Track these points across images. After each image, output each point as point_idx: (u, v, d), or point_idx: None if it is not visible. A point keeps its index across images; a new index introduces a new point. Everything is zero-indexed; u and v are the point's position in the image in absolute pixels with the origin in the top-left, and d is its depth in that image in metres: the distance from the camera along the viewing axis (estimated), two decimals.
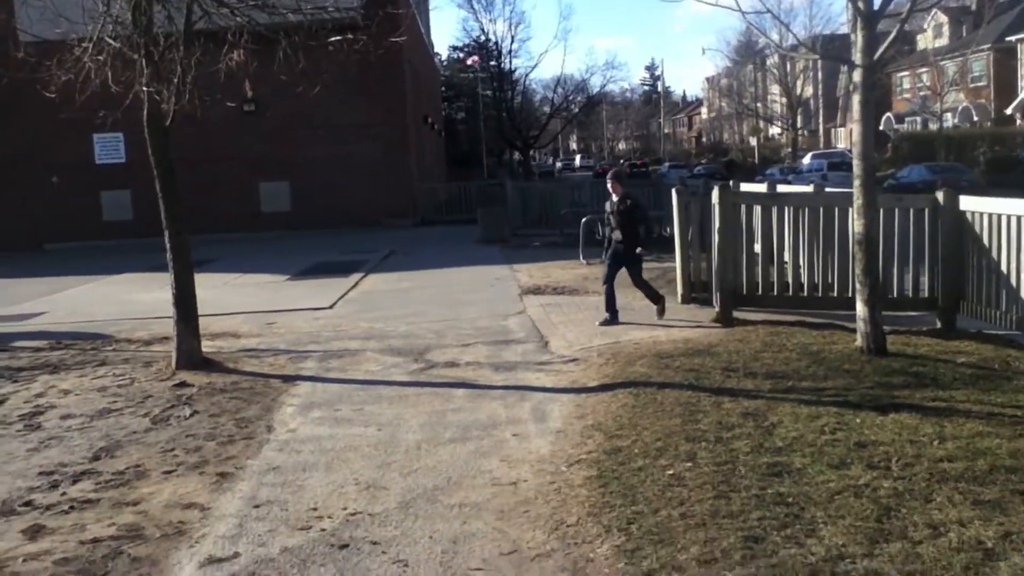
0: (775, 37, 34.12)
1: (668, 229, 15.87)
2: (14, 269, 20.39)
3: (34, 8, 8.19)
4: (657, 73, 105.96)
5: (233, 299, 12.99)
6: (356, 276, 15.26)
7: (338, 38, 7.55)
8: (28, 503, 4.92)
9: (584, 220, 15.93)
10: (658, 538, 3.96)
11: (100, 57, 8.00)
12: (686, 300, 10.23)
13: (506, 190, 24.35)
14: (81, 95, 8.45)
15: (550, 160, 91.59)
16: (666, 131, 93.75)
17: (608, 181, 9.69)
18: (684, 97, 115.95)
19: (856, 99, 7.28)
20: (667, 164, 61.96)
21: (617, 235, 9.38)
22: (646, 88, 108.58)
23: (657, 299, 9.43)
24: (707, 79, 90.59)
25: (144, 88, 7.89)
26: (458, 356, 8.27)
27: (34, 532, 4.47)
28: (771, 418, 5.59)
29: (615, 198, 9.42)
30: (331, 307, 11.95)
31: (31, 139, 25.65)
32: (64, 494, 5.04)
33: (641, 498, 4.43)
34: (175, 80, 8.01)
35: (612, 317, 9.36)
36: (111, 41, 7.95)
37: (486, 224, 20.54)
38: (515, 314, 10.42)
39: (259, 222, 26.54)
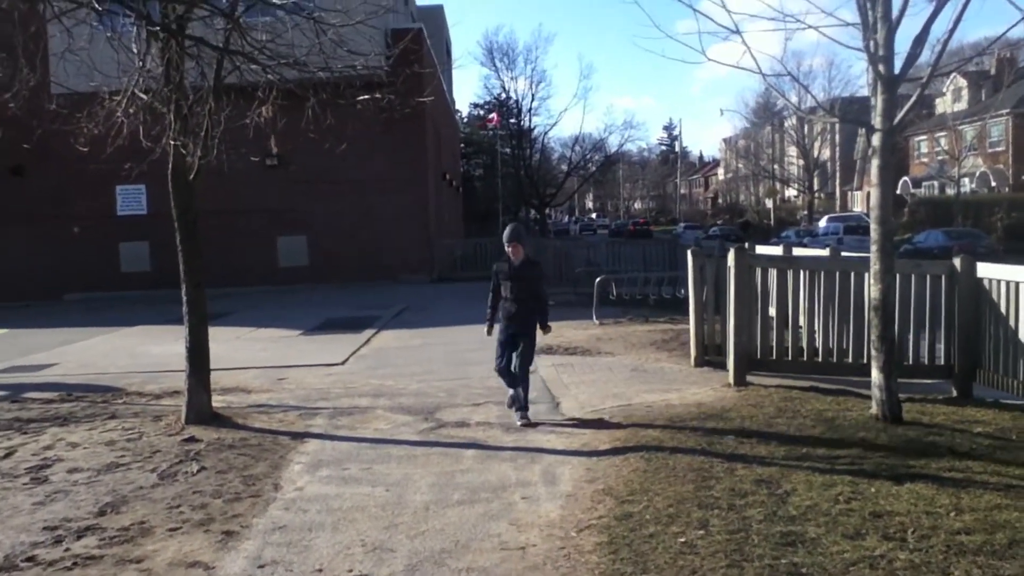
0: (794, 99, 34.48)
1: (682, 291, 15.88)
2: (31, 320, 20.58)
3: (69, 62, 8.40)
4: (675, 133, 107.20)
5: (245, 354, 13.02)
6: (369, 332, 15.28)
7: (366, 96, 7.70)
8: (31, 559, 4.87)
9: (598, 280, 15.96)
10: None
11: (131, 110, 8.17)
12: (699, 363, 10.16)
13: None
14: (110, 147, 8.62)
15: (566, 218, 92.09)
16: (682, 191, 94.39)
17: (507, 243, 7.68)
18: (701, 157, 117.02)
19: (875, 163, 7.30)
20: (682, 224, 62.31)
21: (512, 307, 7.70)
22: (663, 148, 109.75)
23: (525, 405, 7.84)
24: (724, 140, 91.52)
25: (171, 141, 8.03)
26: (469, 416, 8.22)
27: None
28: (785, 486, 5.50)
29: (514, 261, 7.69)
30: (343, 363, 11.95)
31: (55, 189, 26.12)
32: (68, 550, 4.99)
33: (652, 566, 4.34)
34: (201, 134, 8.16)
35: (514, 394, 7.94)
36: (142, 95, 8.12)
37: None
38: None
39: (277, 275, 26.76)
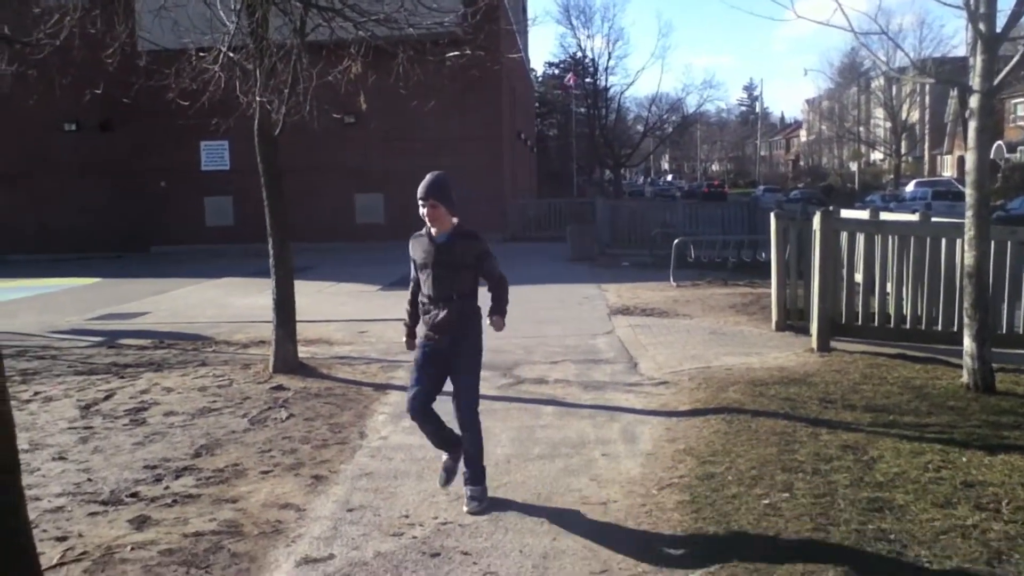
0: (883, 59, 33.19)
1: (762, 254, 15.60)
2: (123, 270, 21.38)
3: (157, 18, 8.61)
4: (755, 93, 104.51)
5: (327, 307, 13.31)
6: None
7: (456, 53, 7.71)
8: (134, 494, 5.13)
9: (676, 241, 15.78)
10: (754, 568, 3.87)
11: (216, 66, 8.35)
12: (781, 327, 10.00)
13: (596, 208, 24.31)
14: (197, 103, 8.84)
15: (640, 179, 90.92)
16: (762, 153, 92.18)
17: (421, 202, 4.78)
18: (782, 119, 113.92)
19: (972, 126, 7.01)
20: (762, 187, 60.94)
21: (437, 311, 4.75)
22: (743, 108, 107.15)
23: (479, 477, 4.86)
24: (807, 100, 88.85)
25: (257, 98, 8.19)
26: (546, 373, 8.27)
27: (140, 522, 4.66)
28: (871, 452, 5.41)
29: (435, 233, 4.81)
30: None
31: (142, 144, 26.90)
32: (167, 488, 5.23)
33: (735, 526, 4.34)
34: (286, 91, 8.30)
35: (453, 458, 4.95)
36: (231, 55, 8.28)
37: (575, 242, 20.53)
38: (604, 334, 10.37)
39: (354, 232, 27.17)
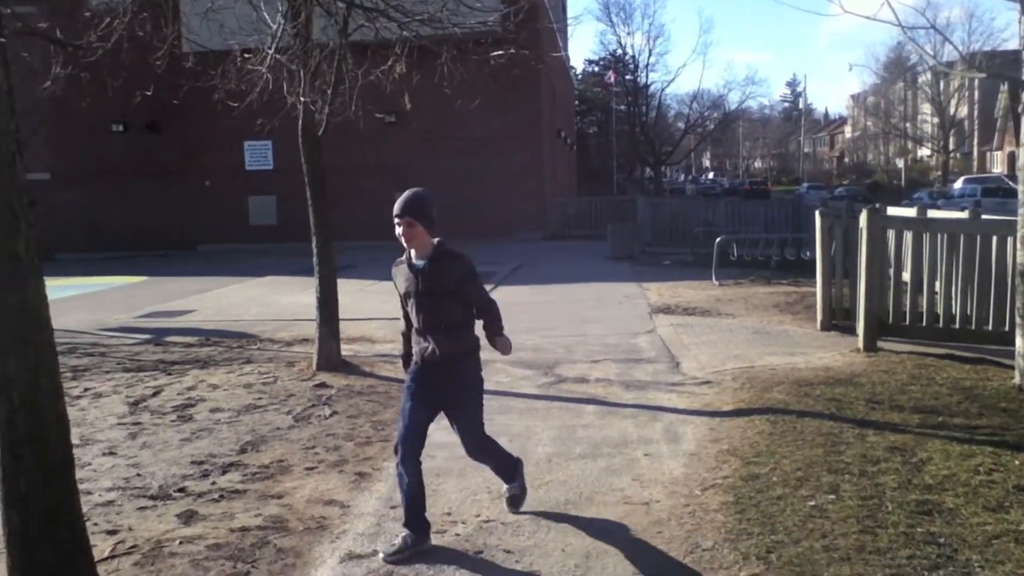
0: (930, 52, 32.55)
1: (807, 252, 15.41)
2: (169, 268, 21.76)
3: (200, 19, 8.75)
4: (798, 89, 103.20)
5: (369, 305, 13.41)
6: (487, 287, 15.46)
7: (500, 52, 7.73)
8: (182, 489, 5.22)
9: (718, 239, 15.64)
10: (800, 570, 3.83)
11: (262, 67, 8.46)
12: (826, 327, 9.86)
13: (637, 206, 24.19)
14: (241, 103, 8.97)
15: (681, 177, 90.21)
16: (806, 150, 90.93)
17: (397, 219, 4.22)
18: (826, 115, 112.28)
19: None
20: (805, 184, 60.14)
21: (428, 344, 4.30)
22: (786, 105, 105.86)
23: (513, 474, 4.71)
24: (852, 96, 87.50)
25: (301, 98, 8.28)
26: (587, 372, 8.25)
27: (188, 517, 4.74)
28: (920, 454, 5.31)
29: (415, 258, 4.32)
30: None
31: (187, 144, 27.35)
32: (214, 483, 5.32)
33: (781, 528, 4.29)
34: (329, 91, 8.39)
35: (417, 533, 4.23)
36: (276, 56, 8.37)
37: (616, 240, 20.46)
38: (645, 333, 10.31)
39: (394, 230, 27.34)
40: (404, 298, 4.38)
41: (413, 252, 4.30)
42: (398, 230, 4.22)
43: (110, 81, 7.82)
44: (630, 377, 7.94)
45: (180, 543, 4.37)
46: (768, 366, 8.08)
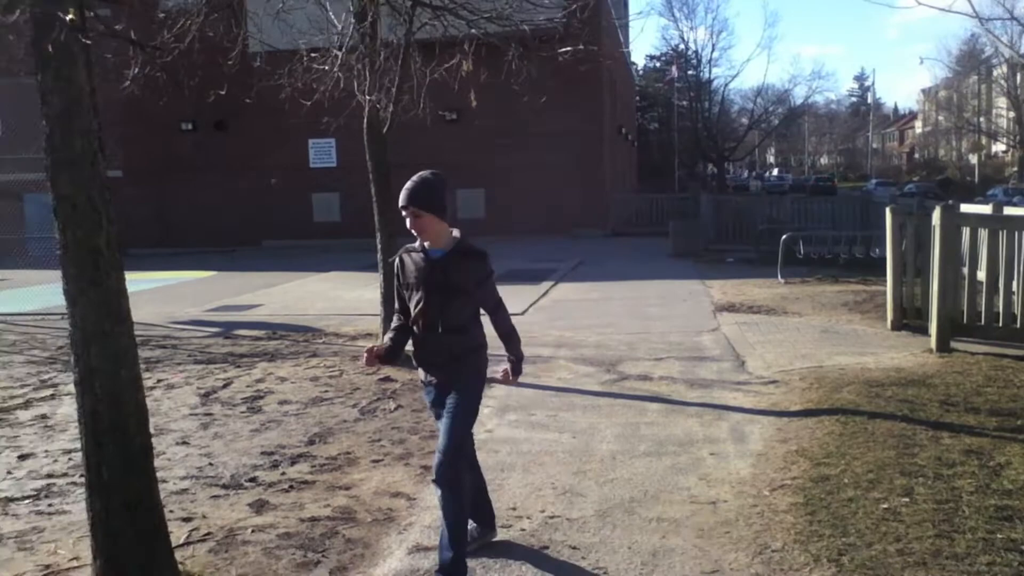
0: (1007, 43, 31.47)
1: (876, 250, 15.04)
2: (236, 263, 22.25)
3: (266, 19, 8.92)
4: (867, 83, 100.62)
5: None
6: (546, 284, 15.47)
7: (568, 48, 7.72)
8: (253, 479, 5.33)
9: (784, 237, 15.36)
10: (873, 573, 3.75)
11: (331, 67, 8.59)
12: (896, 327, 9.61)
13: (700, 203, 23.92)
14: (306, 101, 9.11)
15: (745, 173, 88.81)
16: (874, 145, 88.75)
17: (404, 209, 3.87)
18: (895, 109, 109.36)
19: None
20: (874, 181, 58.68)
21: (429, 340, 3.92)
22: (853, 99, 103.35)
23: (457, 528, 3.79)
24: (923, 90, 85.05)
25: (367, 96, 8.38)
26: (650, 370, 8.19)
27: (259, 506, 4.84)
28: (998, 458, 5.15)
29: (428, 248, 3.92)
30: (522, 313, 12.17)
31: (254, 143, 27.90)
32: (284, 474, 5.42)
33: (853, 530, 4.20)
34: (393, 89, 8.47)
35: (482, 526, 4.22)
36: (340, 54, 8.50)
37: (678, 237, 20.25)
38: (709, 331, 10.19)
39: (456, 227, 27.47)
40: (409, 288, 3.91)
41: (427, 243, 3.89)
42: (409, 223, 3.85)
43: (187, 81, 8.02)
44: (694, 375, 7.86)
45: (252, 531, 4.47)
46: (837, 366, 7.91)
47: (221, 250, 26.76)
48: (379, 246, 8.89)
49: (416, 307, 3.86)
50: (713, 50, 70.04)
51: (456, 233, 3.94)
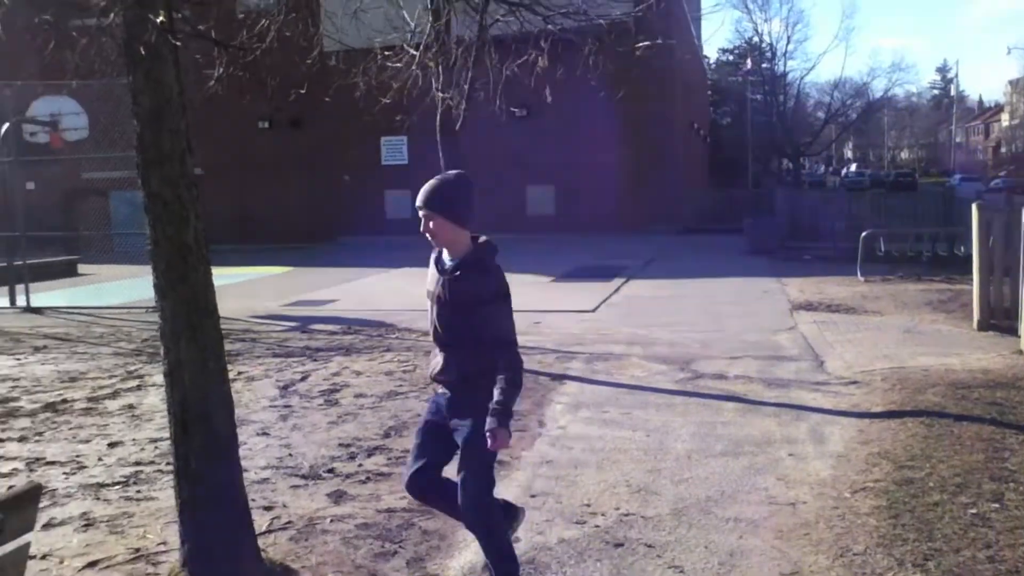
0: None
1: (961, 248, 14.55)
2: (311, 259, 22.70)
3: (341, 18, 9.07)
4: (949, 75, 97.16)
5: None
6: (618, 281, 15.39)
7: (647, 43, 7.67)
8: (331, 470, 5.44)
9: (864, 234, 14.97)
10: None
11: (408, 64, 8.69)
12: (983, 327, 9.28)
13: (775, 199, 23.47)
14: (381, 100, 9.24)
15: (821, 168, 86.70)
16: (957, 139, 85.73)
17: (420, 211, 3.53)
18: (980, 102, 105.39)
19: None
20: (958, 176, 56.75)
21: (439, 356, 3.60)
22: (935, 92, 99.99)
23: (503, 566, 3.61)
24: (1010, 82, 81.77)
25: (440, 94, 8.45)
26: (726, 369, 8.07)
27: (338, 497, 4.93)
28: None
29: (444, 256, 3.61)
30: (594, 310, 12.14)
31: (328, 140, 28.41)
32: (361, 465, 5.51)
33: (939, 535, 4.08)
34: (466, 86, 8.52)
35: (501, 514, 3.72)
36: (414, 52, 8.59)
37: (753, 234, 19.92)
38: (786, 330, 9.99)
39: (524, 223, 27.56)
40: (428, 296, 3.63)
41: (445, 251, 3.58)
42: (426, 223, 3.52)
43: (269, 80, 8.22)
44: (771, 375, 7.72)
45: (331, 521, 4.56)
46: (920, 367, 7.68)
47: (297, 246, 27.34)
48: None
49: (436, 319, 3.54)
50: (788, 42, 68.35)
51: (482, 240, 3.57)
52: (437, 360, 3.57)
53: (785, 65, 61.60)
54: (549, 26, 7.59)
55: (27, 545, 2.55)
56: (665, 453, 5.58)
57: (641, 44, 7.80)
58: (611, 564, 3.96)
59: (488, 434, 3.30)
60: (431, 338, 3.64)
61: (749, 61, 54.86)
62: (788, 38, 64.01)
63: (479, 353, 3.43)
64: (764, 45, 61.25)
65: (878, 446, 5.50)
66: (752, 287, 13.76)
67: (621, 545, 4.16)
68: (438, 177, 3.63)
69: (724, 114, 64.60)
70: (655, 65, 11.82)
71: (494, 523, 3.57)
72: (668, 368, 8.18)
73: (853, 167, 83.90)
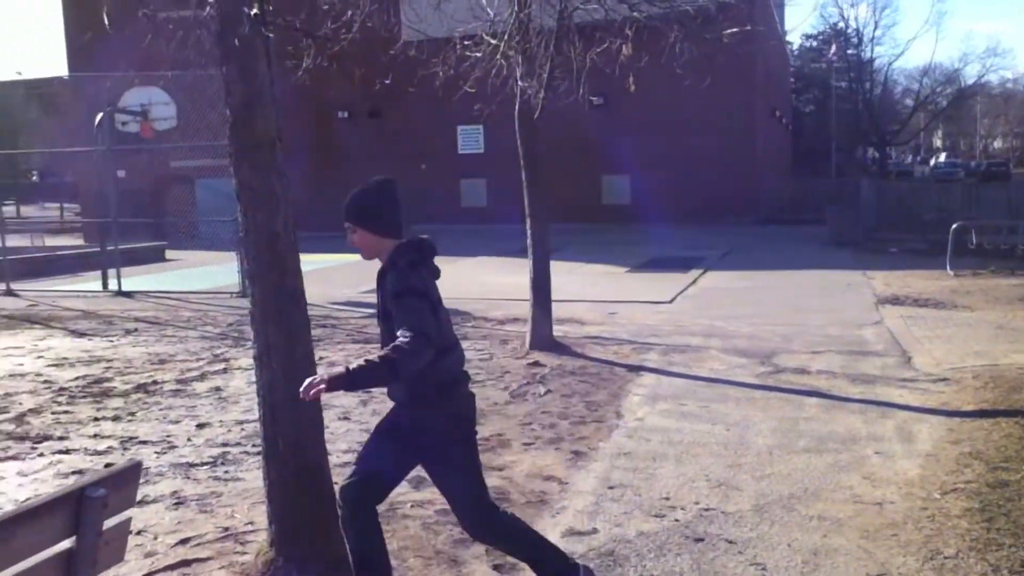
0: None
1: None
2: None
3: (421, 8, 9.14)
4: None
5: (576, 287, 13.53)
6: (695, 272, 15.18)
7: (735, 29, 7.53)
8: None
9: (954, 226, 14.44)
10: None
11: (478, 53, 8.72)
12: None
13: (860, 189, 22.80)
14: (459, 89, 9.28)
15: (909, 158, 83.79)
16: None
17: (345, 226, 3.47)
18: None
19: None
20: None
21: (396, 397, 3.33)
22: None
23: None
24: None
25: (519, 82, 8.44)
26: (808, 363, 7.89)
27: (417, 482, 4.98)
28: None
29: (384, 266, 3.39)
30: (670, 302, 12.01)
31: (405, 130, 28.72)
32: None
33: None
34: (545, 75, 8.49)
35: None
36: (491, 40, 8.60)
37: (836, 225, 19.43)
38: (871, 324, 9.71)
39: (599, 214, 27.40)
40: (379, 310, 3.41)
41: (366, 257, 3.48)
42: (350, 235, 3.44)
43: (355, 71, 8.35)
44: (856, 370, 7.52)
45: (411, 506, 4.62)
46: (1015, 365, 7.38)
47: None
48: (528, 232, 8.96)
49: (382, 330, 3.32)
50: (876, 28, 66.39)
51: (391, 253, 3.32)
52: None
53: (872, 51, 59.77)
54: (635, 13, 7.49)
55: (129, 520, 2.66)
56: (746, 448, 5.49)
57: (729, 31, 7.65)
58: (691, 559, 3.92)
59: (308, 383, 2.94)
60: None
61: (834, 47, 53.28)
62: (876, 23, 62.34)
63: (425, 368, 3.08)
64: (850, 31, 59.48)
65: (969, 446, 5.31)
66: (835, 280, 13.42)
67: (701, 540, 4.11)
68: (359, 187, 3.47)
69: (807, 101, 63.00)
70: (737, 52, 11.56)
71: (514, 528, 3.37)
72: (748, 361, 8.04)
73: (943, 156, 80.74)
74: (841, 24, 60.51)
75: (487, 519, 3.30)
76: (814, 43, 63.12)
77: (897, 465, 5.10)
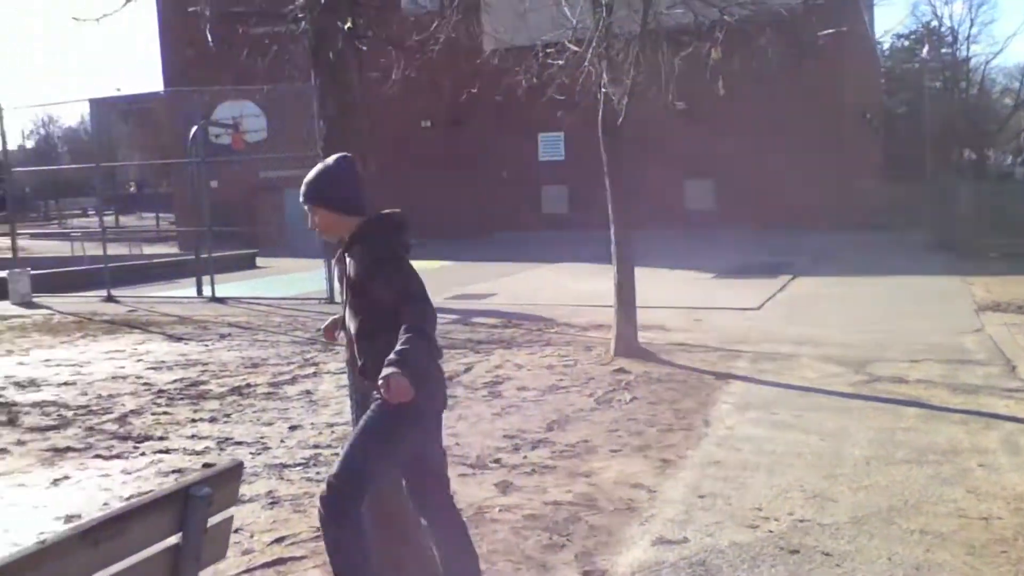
0: None
1: None
2: (470, 254, 23.19)
3: (503, 16, 9.20)
4: None
5: (660, 293, 13.37)
6: (784, 278, 14.85)
7: (830, 31, 7.36)
8: (497, 461, 5.53)
9: None
10: None
11: (560, 61, 8.73)
12: None
13: (957, 192, 21.93)
14: (542, 97, 9.30)
15: (1009, 159, 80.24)
16: None
17: (305, 208, 3.37)
18: None
19: None
20: None
21: (361, 366, 3.26)
22: None
23: None
24: None
25: (602, 89, 8.41)
26: (905, 372, 7.61)
27: (504, 487, 5.01)
28: None
29: (340, 246, 3.41)
30: (758, 308, 11.77)
31: (487, 138, 28.92)
32: (525, 457, 5.58)
33: None
34: (628, 81, 8.43)
35: None
36: (574, 48, 8.59)
37: (933, 230, 18.76)
38: (971, 332, 9.33)
39: (682, 218, 27.06)
40: (343, 283, 3.34)
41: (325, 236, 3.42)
42: (312, 218, 3.36)
43: (444, 81, 8.47)
44: (956, 379, 7.22)
45: (499, 511, 4.63)
46: None
47: (456, 240, 28.00)
48: (612, 237, 8.91)
49: (345, 306, 3.32)
50: (972, 25, 63.66)
51: (359, 224, 3.28)
52: (353, 356, 3.26)
53: (968, 49, 57.43)
54: (724, 16, 7.38)
55: (231, 518, 2.73)
56: (841, 459, 5.33)
57: (824, 32, 7.47)
58: (786, 570, 3.82)
59: (381, 383, 2.83)
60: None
61: (927, 46, 51.45)
62: (972, 20, 59.72)
63: (374, 338, 3.13)
64: (944, 29, 57.37)
65: None
66: (932, 285, 12.95)
67: (797, 552, 4.00)
68: (318, 166, 3.38)
69: (899, 103, 60.96)
70: (825, 53, 11.29)
71: (344, 526, 3.03)
72: (841, 370, 7.81)
73: None
74: (934, 23, 58.40)
75: (348, 498, 3.00)
76: (906, 43, 61.05)
77: (1004, 479, 4.87)
